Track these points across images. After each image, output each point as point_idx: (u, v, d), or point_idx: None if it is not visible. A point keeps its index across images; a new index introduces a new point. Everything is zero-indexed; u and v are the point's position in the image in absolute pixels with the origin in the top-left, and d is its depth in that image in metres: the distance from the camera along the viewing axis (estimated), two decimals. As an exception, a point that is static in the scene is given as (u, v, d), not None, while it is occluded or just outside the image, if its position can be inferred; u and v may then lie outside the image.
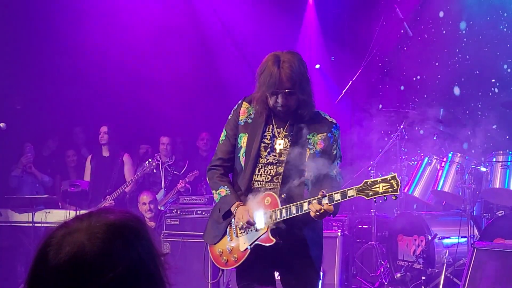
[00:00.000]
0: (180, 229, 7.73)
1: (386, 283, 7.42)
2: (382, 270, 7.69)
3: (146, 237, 1.68)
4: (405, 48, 9.57)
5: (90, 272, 1.56)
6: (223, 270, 4.44)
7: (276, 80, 3.96)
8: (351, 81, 7.54)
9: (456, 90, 9.00)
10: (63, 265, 1.56)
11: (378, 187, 3.87)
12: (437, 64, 9.17)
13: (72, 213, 8.28)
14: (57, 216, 8.42)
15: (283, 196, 4.08)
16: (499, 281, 5.85)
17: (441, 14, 9.12)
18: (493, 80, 8.49)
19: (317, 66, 9.65)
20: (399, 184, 3.86)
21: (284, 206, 4.03)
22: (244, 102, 4.30)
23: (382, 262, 7.76)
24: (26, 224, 8.45)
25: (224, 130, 4.36)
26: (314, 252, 4.19)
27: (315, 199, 3.91)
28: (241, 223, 4.12)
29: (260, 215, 4.09)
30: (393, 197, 3.93)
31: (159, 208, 8.88)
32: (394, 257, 7.55)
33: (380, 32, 7.81)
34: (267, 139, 4.19)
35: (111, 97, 10.79)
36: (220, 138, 4.37)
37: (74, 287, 1.55)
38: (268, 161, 4.16)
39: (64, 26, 10.26)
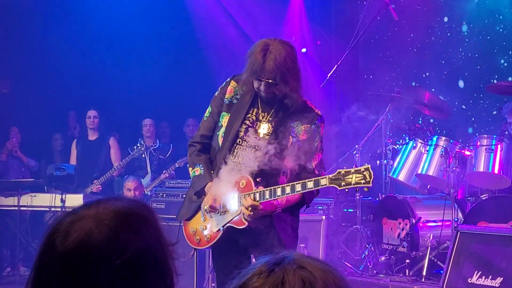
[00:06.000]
0: (166, 213, 7.69)
1: (370, 267, 7.44)
2: (366, 254, 7.71)
3: (154, 225, 1.67)
4: (415, 50, 10.27)
5: (98, 259, 1.55)
6: (195, 249, 4.42)
7: (258, 69, 3.92)
8: (336, 65, 7.54)
9: (461, 83, 9.83)
10: (70, 252, 1.56)
11: (351, 178, 3.83)
12: (443, 62, 10.05)
13: (58, 197, 8.28)
14: (42, 200, 8.42)
15: (258, 180, 4.04)
16: (482, 264, 5.90)
17: (446, 19, 10.12)
18: (492, 73, 9.46)
19: (303, 50, 9.65)
20: (372, 176, 3.82)
21: (258, 190, 3.98)
22: (232, 81, 4.25)
23: (367, 246, 7.78)
24: (12, 208, 8.44)
25: (209, 107, 4.32)
26: (285, 239, 4.14)
27: (288, 185, 3.93)
28: (206, 206, 4.15)
29: (234, 197, 4.06)
30: (365, 189, 3.88)
31: (145, 193, 8.87)
32: (379, 240, 7.58)
33: (365, 16, 7.83)
34: (249, 121, 4.15)
35: (98, 81, 10.75)
36: (205, 115, 4.34)
37: (81, 274, 1.55)
38: (248, 143, 4.11)
39: (50, 9, 10.19)
